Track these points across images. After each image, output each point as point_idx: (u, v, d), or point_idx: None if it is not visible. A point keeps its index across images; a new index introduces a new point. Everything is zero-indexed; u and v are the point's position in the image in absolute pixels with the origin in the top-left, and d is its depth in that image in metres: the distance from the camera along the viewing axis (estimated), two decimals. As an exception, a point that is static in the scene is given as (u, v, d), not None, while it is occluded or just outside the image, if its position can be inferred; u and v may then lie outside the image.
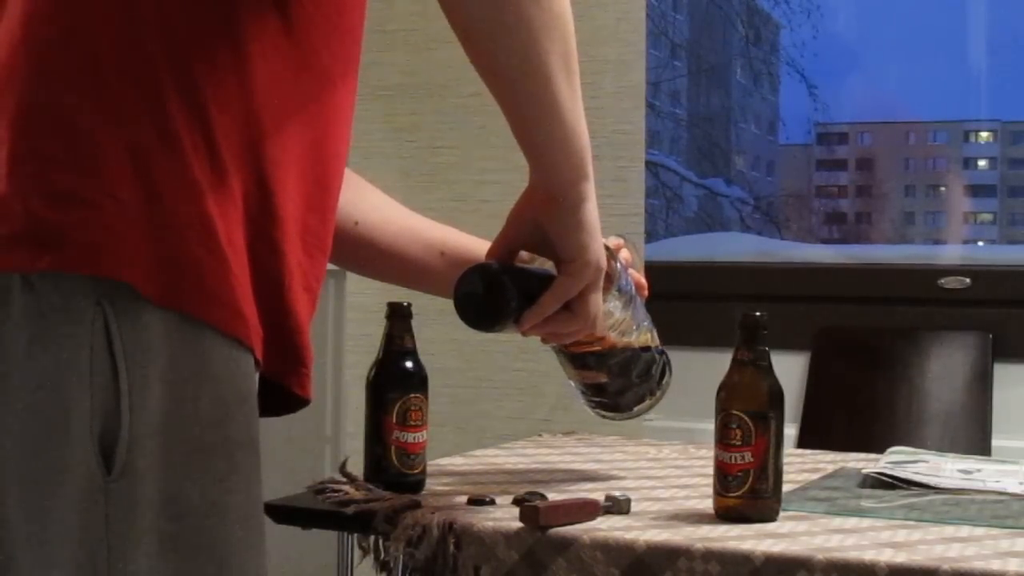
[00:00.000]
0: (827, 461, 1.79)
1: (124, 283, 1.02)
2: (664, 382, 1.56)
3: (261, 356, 1.10)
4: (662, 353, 1.55)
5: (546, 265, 1.32)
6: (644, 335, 1.51)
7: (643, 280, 1.52)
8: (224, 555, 1.06)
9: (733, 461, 1.37)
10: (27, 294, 1.02)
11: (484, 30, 1.14)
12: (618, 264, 1.42)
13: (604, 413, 1.56)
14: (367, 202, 1.48)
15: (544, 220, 1.28)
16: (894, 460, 1.69)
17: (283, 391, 1.15)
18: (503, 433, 2.37)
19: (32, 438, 1.02)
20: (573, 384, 1.54)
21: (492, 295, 1.30)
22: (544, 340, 1.41)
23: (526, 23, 1.13)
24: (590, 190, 1.27)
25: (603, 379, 1.51)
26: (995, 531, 1.35)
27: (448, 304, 1.59)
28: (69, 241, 1.03)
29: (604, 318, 1.41)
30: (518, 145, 1.23)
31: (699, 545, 1.27)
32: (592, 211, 1.28)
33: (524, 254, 1.34)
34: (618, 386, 1.52)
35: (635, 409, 1.55)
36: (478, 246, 1.54)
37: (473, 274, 1.32)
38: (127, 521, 1.02)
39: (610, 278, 1.38)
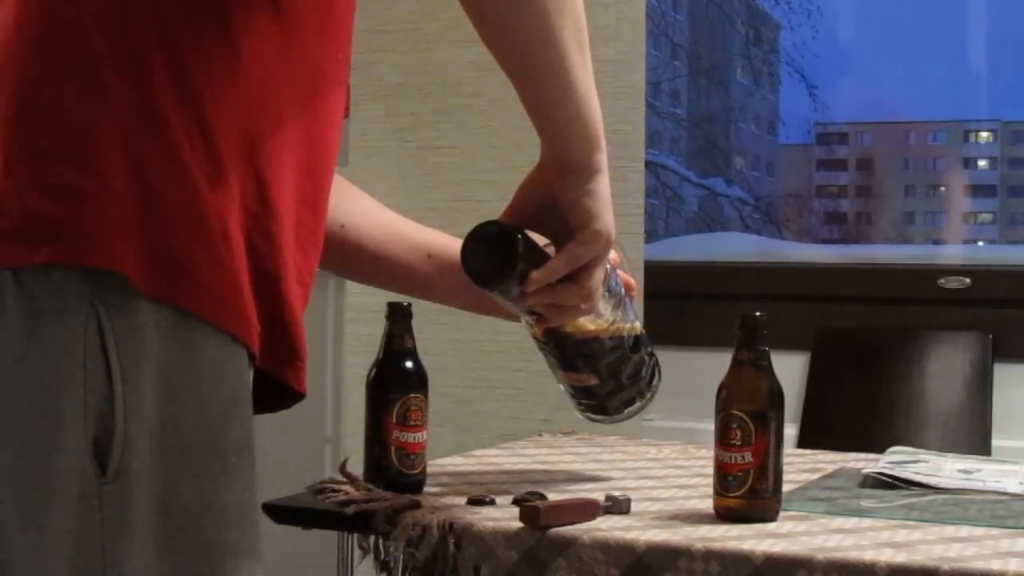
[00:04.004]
0: (827, 461, 1.78)
1: (118, 280, 1.02)
2: (654, 384, 1.55)
3: (257, 350, 1.10)
4: (652, 355, 1.54)
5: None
6: (633, 335, 1.51)
7: (632, 281, 1.52)
8: (219, 556, 1.06)
9: (733, 461, 1.37)
10: (20, 294, 1.02)
11: (497, 8, 1.15)
12: (608, 264, 1.42)
13: (593, 416, 1.56)
14: (354, 205, 1.48)
15: (557, 191, 1.28)
16: (894, 460, 1.69)
17: (279, 386, 1.15)
18: (503, 433, 2.37)
19: (26, 440, 1.02)
20: (562, 387, 1.54)
21: (505, 245, 1.30)
22: (538, 323, 1.39)
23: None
24: (604, 162, 1.27)
25: (592, 381, 1.50)
26: (995, 531, 1.35)
27: (448, 306, 1.59)
28: (66, 234, 1.03)
29: (593, 318, 1.41)
30: (531, 122, 1.24)
31: (699, 545, 1.27)
32: (605, 182, 1.28)
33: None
34: (607, 388, 1.51)
35: (625, 412, 1.54)
36: None
37: (490, 224, 1.32)
38: (121, 522, 1.02)
39: None
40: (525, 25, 1.16)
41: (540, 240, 1.33)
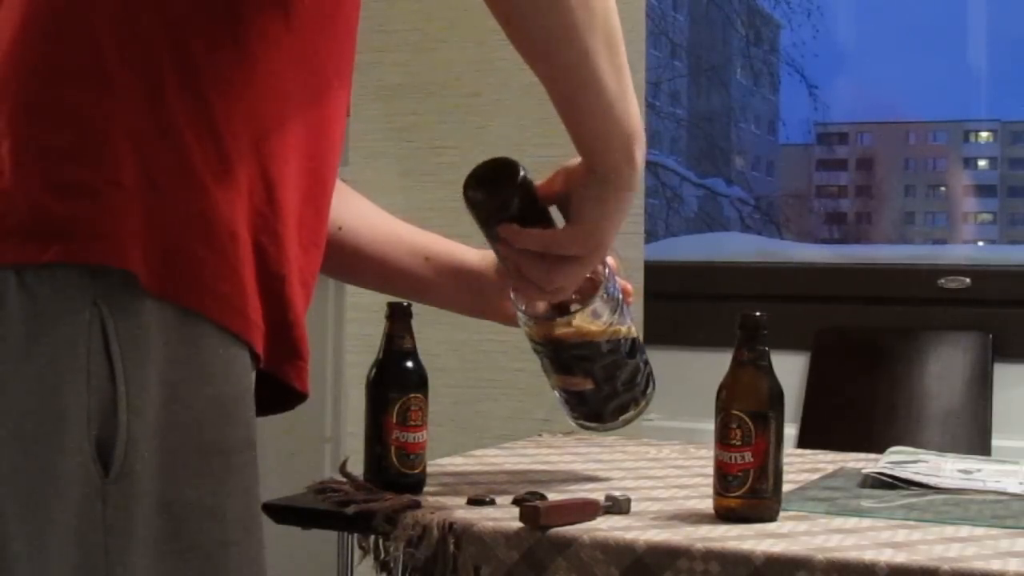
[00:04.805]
0: (827, 461, 1.78)
1: (122, 280, 1.02)
2: (648, 392, 1.54)
3: (261, 350, 1.10)
4: (647, 363, 1.54)
5: None
6: (630, 339, 1.50)
7: (629, 287, 1.51)
8: (222, 557, 1.06)
9: (733, 461, 1.37)
10: (23, 294, 1.02)
11: (522, 10, 1.15)
12: (607, 269, 1.42)
13: (587, 424, 1.55)
14: (351, 207, 1.48)
15: (579, 185, 1.28)
16: (894, 460, 1.69)
17: (281, 387, 1.15)
18: (503, 433, 2.37)
19: (29, 440, 1.02)
20: (557, 394, 1.53)
21: (509, 173, 1.32)
22: (515, 291, 1.39)
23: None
24: (632, 178, 1.27)
25: (587, 386, 1.49)
26: (995, 531, 1.35)
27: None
28: (73, 232, 1.03)
29: (590, 322, 1.41)
30: (565, 128, 1.24)
31: (699, 545, 1.27)
32: (624, 200, 1.28)
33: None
34: (603, 394, 1.50)
35: (619, 419, 1.53)
36: (462, 252, 1.54)
37: (509, 157, 1.33)
38: (124, 523, 1.02)
39: (595, 284, 1.39)
40: (550, 30, 1.15)
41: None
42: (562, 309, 1.43)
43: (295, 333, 1.13)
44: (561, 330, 1.44)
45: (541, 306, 1.44)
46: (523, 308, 1.44)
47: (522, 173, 1.32)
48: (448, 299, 1.57)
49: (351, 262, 1.49)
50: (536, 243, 1.30)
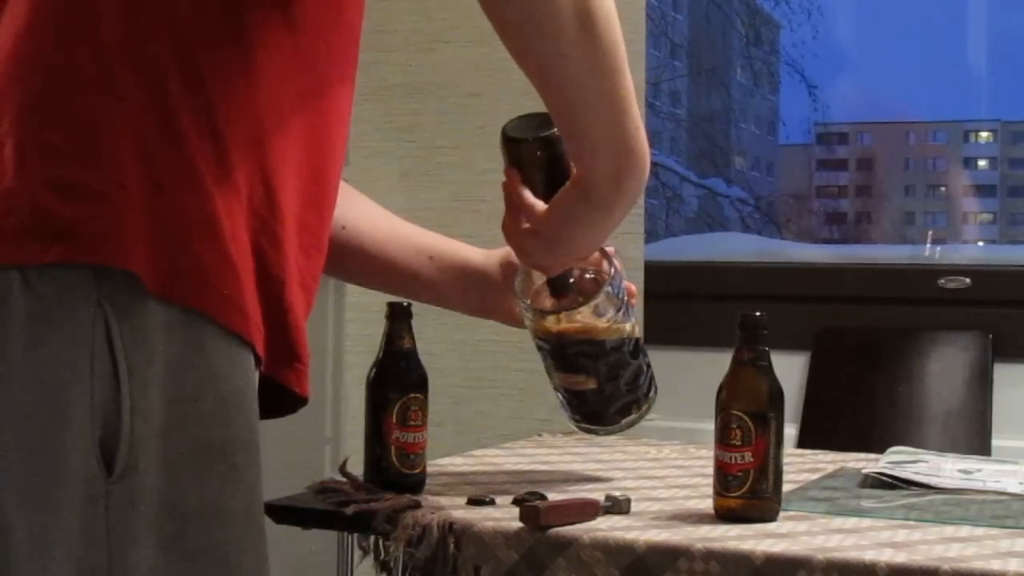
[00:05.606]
0: (827, 461, 1.79)
1: (126, 280, 1.02)
2: (651, 396, 1.54)
3: (262, 353, 1.10)
4: (649, 367, 1.54)
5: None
6: (634, 339, 1.51)
7: (633, 288, 1.52)
8: (224, 557, 1.06)
9: (733, 461, 1.37)
10: (27, 294, 1.02)
11: (527, 40, 1.16)
12: (612, 268, 1.42)
13: (588, 426, 1.55)
14: (355, 207, 1.48)
15: (570, 181, 1.28)
16: (894, 460, 1.69)
17: (281, 391, 1.15)
18: (503, 433, 2.37)
19: (33, 439, 1.02)
20: (558, 396, 1.53)
21: (537, 125, 1.34)
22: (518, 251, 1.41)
23: (556, 17, 1.14)
24: (616, 203, 1.26)
25: (590, 385, 1.49)
26: (995, 531, 1.35)
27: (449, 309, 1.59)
28: (76, 233, 1.03)
29: (594, 318, 1.42)
30: None
31: (699, 545, 1.27)
32: (601, 221, 1.28)
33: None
34: (606, 394, 1.50)
35: (621, 422, 1.53)
36: (466, 251, 1.54)
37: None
38: (128, 522, 1.02)
39: (599, 281, 1.39)
40: (544, 45, 1.15)
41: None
42: (566, 304, 1.44)
43: (295, 336, 1.13)
44: (565, 325, 1.44)
45: (547, 301, 1.45)
46: (528, 302, 1.44)
47: (548, 132, 1.33)
48: (452, 299, 1.57)
49: (354, 262, 1.49)
50: (514, 195, 1.32)
